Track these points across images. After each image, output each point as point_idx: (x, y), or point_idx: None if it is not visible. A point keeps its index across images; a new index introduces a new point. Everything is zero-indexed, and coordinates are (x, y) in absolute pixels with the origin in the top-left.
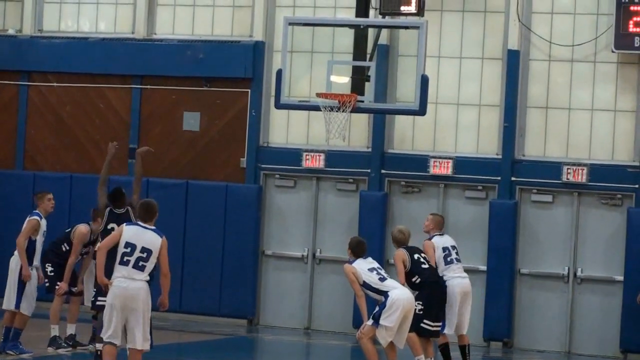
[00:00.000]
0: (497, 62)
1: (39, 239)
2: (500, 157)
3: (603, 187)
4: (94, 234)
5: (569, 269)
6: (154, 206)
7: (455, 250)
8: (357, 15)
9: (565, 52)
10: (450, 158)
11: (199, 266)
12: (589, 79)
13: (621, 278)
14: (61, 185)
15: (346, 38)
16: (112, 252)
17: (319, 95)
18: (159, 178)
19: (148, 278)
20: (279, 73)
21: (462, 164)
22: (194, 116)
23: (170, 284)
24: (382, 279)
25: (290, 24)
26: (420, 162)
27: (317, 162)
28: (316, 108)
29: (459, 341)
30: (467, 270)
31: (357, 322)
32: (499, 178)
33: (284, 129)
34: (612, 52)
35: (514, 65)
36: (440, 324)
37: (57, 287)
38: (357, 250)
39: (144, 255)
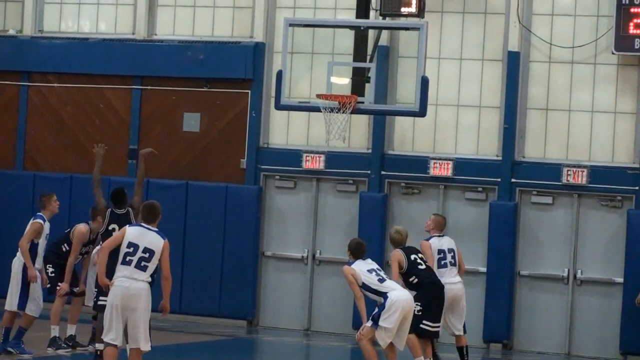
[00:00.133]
0: (498, 64)
1: (42, 242)
2: (500, 158)
3: (603, 189)
4: (94, 233)
5: (568, 270)
6: (158, 208)
7: (451, 254)
8: (358, 16)
9: (566, 54)
10: (450, 159)
11: (198, 267)
12: (589, 80)
13: (621, 280)
14: (61, 186)
15: (346, 39)
16: (113, 252)
17: (319, 96)
18: (159, 179)
19: (150, 279)
20: (279, 74)
21: (462, 166)
22: (194, 117)
23: (171, 288)
24: (382, 280)
25: (290, 25)
26: (420, 163)
27: (317, 163)
28: (316, 109)
29: (457, 342)
30: (467, 272)
31: (357, 324)
32: (499, 179)
33: (284, 130)
34: (613, 53)
35: (514, 66)
36: (440, 324)
37: (58, 287)
38: (357, 251)
39: (146, 255)
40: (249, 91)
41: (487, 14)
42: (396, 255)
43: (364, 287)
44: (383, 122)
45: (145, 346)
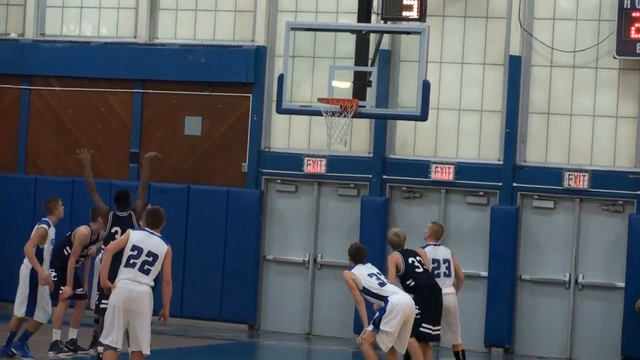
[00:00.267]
0: (499, 68)
1: (47, 247)
2: (501, 162)
3: (604, 194)
4: (94, 234)
5: (570, 275)
6: (162, 214)
7: (446, 265)
8: (359, 20)
9: (567, 58)
10: (451, 164)
11: (200, 271)
12: (591, 85)
13: (622, 284)
14: (62, 189)
15: (348, 43)
16: (116, 255)
17: (320, 100)
18: (160, 183)
19: (152, 284)
20: (281, 78)
21: (464, 170)
22: (195, 121)
23: (171, 294)
24: (382, 284)
25: (292, 28)
26: (421, 167)
27: (318, 167)
28: (318, 113)
29: (453, 347)
30: (468, 276)
31: (358, 328)
32: (500, 184)
33: (285, 134)
34: (614, 58)
35: (515, 71)
36: (440, 327)
37: (60, 291)
38: (357, 256)
39: (150, 259)
40: (251, 95)
41: (488, 18)
42: (393, 258)
43: (365, 291)
44: (384, 126)
45: (148, 350)
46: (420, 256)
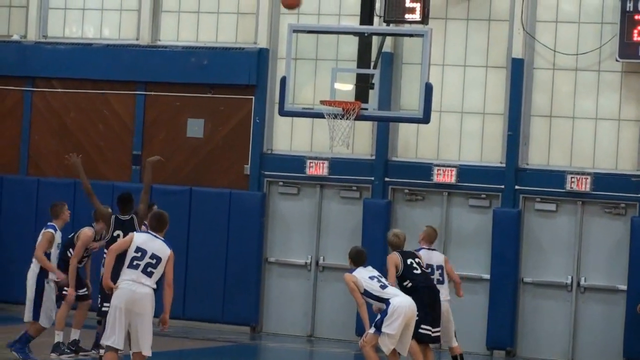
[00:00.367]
0: (501, 71)
1: (53, 252)
2: (504, 165)
3: (607, 196)
4: (98, 234)
5: (572, 277)
6: (166, 218)
7: (439, 271)
8: (362, 22)
9: (570, 61)
10: (454, 166)
11: (202, 273)
12: (593, 87)
13: (624, 287)
14: (65, 191)
15: (350, 46)
16: (118, 257)
17: (323, 102)
18: (162, 185)
19: (155, 286)
20: (283, 80)
21: (466, 172)
22: (197, 123)
23: (172, 298)
24: (383, 287)
25: (294, 31)
26: (424, 170)
27: (320, 169)
28: (320, 115)
29: (451, 352)
30: (470, 279)
31: (360, 330)
32: (503, 186)
33: (287, 136)
34: (617, 61)
35: (518, 73)
36: (439, 329)
37: (64, 293)
38: (357, 259)
39: (154, 261)
40: (253, 97)
41: (491, 20)
42: (393, 258)
43: (366, 293)
44: (387, 129)
45: (149, 352)
46: (419, 258)
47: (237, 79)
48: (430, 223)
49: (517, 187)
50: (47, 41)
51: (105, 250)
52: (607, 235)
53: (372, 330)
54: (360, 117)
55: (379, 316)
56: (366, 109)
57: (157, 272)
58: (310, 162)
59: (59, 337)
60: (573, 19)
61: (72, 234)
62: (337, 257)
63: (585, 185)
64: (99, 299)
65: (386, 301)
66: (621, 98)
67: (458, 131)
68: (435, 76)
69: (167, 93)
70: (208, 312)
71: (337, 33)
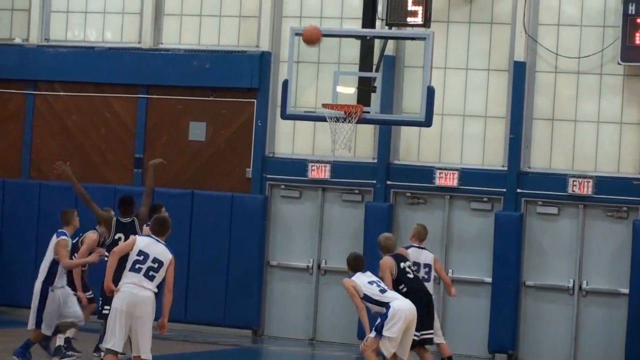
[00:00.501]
0: (503, 74)
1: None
2: (505, 168)
3: (609, 200)
4: (101, 237)
5: (574, 281)
6: (168, 222)
7: (426, 269)
8: (364, 26)
9: (572, 64)
10: (455, 169)
11: (204, 276)
12: (595, 91)
13: (626, 291)
14: (67, 195)
15: (352, 49)
16: (119, 260)
17: (325, 106)
18: (164, 188)
19: (156, 290)
20: (285, 83)
21: (468, 176)
22: (199, 126)
23: (171, 303)
24: (383, 291)
25: (296, 34)
26: (425, 173)
27: (322, 172)
28: (322, 119)
29: (441, 354)
30: (472, 282)
31: (362, 334)
32: (505, 190)
33: (289, 140)
34: (619, 64)
35: (520, 76)
36: (430, 331)
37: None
38: (355, 265)
39: (155, 265)
40: (255, 100)
41: (493, 24)
42: (387, 263)
43: (366, 298)
44: (389, 132)
45: (149, 355)
46: (409, 260)
47: (239, 82)
48: (432, 226)
49: (519, 190)
50: (49, 44)
51: (107, 253)
52: (609, 239)
53: (372, 334)
54: (362, 121)
55: (379, 320)
56: (368, 112)
57: (159, 276)
58: (312, 166)
59: (60, 340)
60: (575, 22)
61: (77, 239)
62: (339, 260)
63: (587, 189)
64: (100, 302)
65: (386, 305)
66: (623, 101)
67: (460, 134)
68: (437, 79)
69: (169, 96)
70: (210, 315)
71: (340, 36)
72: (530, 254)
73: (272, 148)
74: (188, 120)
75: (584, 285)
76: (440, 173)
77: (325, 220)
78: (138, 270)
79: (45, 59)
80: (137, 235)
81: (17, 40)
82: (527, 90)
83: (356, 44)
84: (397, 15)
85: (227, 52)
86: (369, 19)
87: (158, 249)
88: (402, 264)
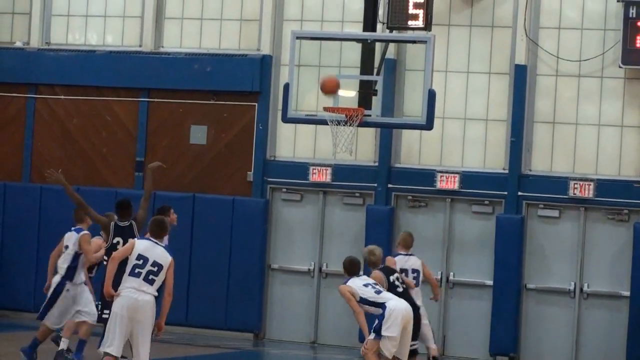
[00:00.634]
0: (504, 77)
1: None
2: (507, 171)
3: (610, 202)
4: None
5: (575, 284)
6: (166, 223)
7: (414, 275)
8: (365, 29)
9: (573, 67)
10: (457, 173)
11: (205, 279)
12: (596, 94)
13: (627, 293)
14: (68, 198)
15: (353, 52)
16: (119, 264)
17: (326, 109)
18: (165, 191)
19: (156, 294)
20: (287, 87)
21: (469, 179)
22: (201, 129)
23: (170, 305)
24: (378, 292)
25: (297, 37)
26: (427, 176)
27: (324, 176)
28: (323, 122)
29: (428, 353)
30: (473, 285)
31: (363, 337)
32: (506, 193)
33: (291, 143)
34: (619, 67)
35: (521, 80)
36: (414, 342)
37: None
38: (351, 268)
39: (155, 269)
40: (256, 104)
41: (494, 27)
42: (378, 277)
43: (362, 301)
44: (390, 135)
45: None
46: (396, 272)
47: (240, 86)
48: (433, 230)
49: (520, 193)
50: (50, 48)
51: (106, 258)
52: (610, 242)
53: (372, 336)
54: (363, 124)
55: (376, 321)
56: (369, 116)
57: (159, 280)
58: (313, 169)
59: (63, 344)
60: (576, 25)
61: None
62: (340, 263)
63: (588, 192)
64: (99, 306)
65: (382, 305)
66: (624, 104)
67: (461, 137)
68: (438, 83)
69: (170, 100)
70: (211, 318)
71: (341, 40)
72: (532, 257)
73: (273, 151)
74: (189, 123)
75: (585, 288)
76: (441, 176)
77: (327, 223)
78: (138, 275)
79: (46, 63)
80: (135, 239)
81: (18, 44)
82: (528, 93)
83: (357, 47)
84: (398, 19)
85: (228, 55)
86: (369, 23)
87: (157, 252)
88: (391, 278)
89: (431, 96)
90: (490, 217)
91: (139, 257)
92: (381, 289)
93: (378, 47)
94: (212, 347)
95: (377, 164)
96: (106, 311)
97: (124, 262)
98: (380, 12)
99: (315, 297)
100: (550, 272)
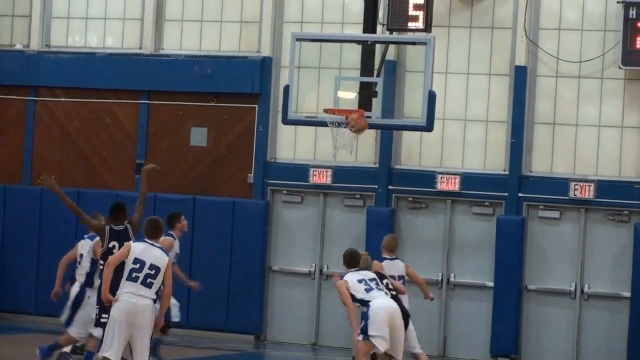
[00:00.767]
0: (505, 78)
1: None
2: (507, 173)
3: (610, 203)
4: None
5: (576, 285)
6: (161, 223)
7: (401, 281)
8: (365, 31)
9: (573, 68)
10: (457, 174)
11: (206, 282)
12: (596, 95)
13: (628, 294)
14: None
15: (354, 54)
16: (115, 268)
17: (326, 111)
18: (166, 193)
19: (155, 297)
20: (287, 89)
21: (469, 180)
22: (201, 131)
23: (168, 305)
24: (368, 290)
25: (297, 39)
26: (427, 178)
27: (324, 177)
28: (323, 124)
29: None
30: (473, 286)
31: None
32: (506, 194)
33: (291, 145)
34: (619, 68)
35: (521, 81)
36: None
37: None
38: (351, 260)
39: (152, 272)
40: (256, 106)
41: (494, 28)
42: (379, 266)
43: (352, 298)
44: (390, 137)
45: None
46: (387, 278)
47: (240, 88)
48: (434, 231)
49: (520, 194)
50: (50, 50)
51: (102, 262)
52: (611, 242)
53: (360, 337)
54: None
55: (362, 322)
56: (369, 117)
57: (157, 282)
58: (313, 171)
59: (67, 347)
60: (576, 26)
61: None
62: (341, 265)
63: (588, 193)
64: (97, 310)
65: (367, 304)
66: (624, 105)
67: (461, 139)
68: (438, 84)
69: (170, 102)
70: (212, 320)
71: (341, 41)
72: (532, 258)
73: (274, 153)
74: (189, 125)
75: (585, 289)
76: (441, 177)
77: (327, 225)
78: (135, 279)
79: (46, 65)
80: (131, 242)
81: (18, 46)
82: (528, 94)
83: (357, 49)
84: (398, 20)
85: (228, 57)
86: (370, 24)
87: (154, 254)
88: (385, 281)
89: (431, 97)
90: (491, 219)
91: (136, 260)
92: (373, 286)
93: (378, 48)
94: (213, 349)
95: (377, 165)
96: (104, 315)
97: (120, 266)
98: (380, 13)
99: (315, 298)
100: (550, 273)
